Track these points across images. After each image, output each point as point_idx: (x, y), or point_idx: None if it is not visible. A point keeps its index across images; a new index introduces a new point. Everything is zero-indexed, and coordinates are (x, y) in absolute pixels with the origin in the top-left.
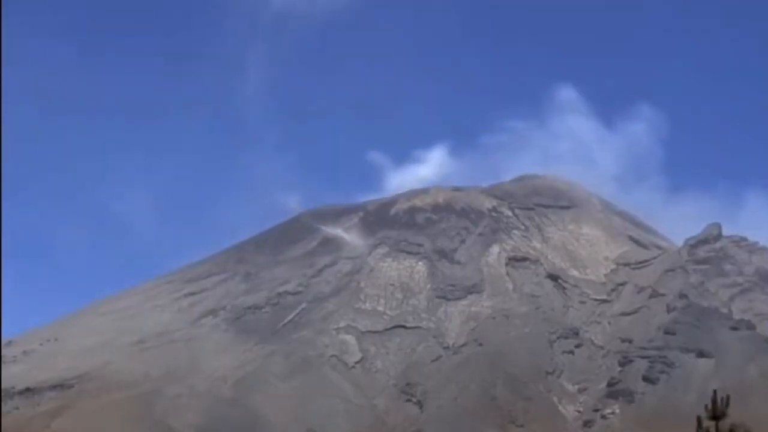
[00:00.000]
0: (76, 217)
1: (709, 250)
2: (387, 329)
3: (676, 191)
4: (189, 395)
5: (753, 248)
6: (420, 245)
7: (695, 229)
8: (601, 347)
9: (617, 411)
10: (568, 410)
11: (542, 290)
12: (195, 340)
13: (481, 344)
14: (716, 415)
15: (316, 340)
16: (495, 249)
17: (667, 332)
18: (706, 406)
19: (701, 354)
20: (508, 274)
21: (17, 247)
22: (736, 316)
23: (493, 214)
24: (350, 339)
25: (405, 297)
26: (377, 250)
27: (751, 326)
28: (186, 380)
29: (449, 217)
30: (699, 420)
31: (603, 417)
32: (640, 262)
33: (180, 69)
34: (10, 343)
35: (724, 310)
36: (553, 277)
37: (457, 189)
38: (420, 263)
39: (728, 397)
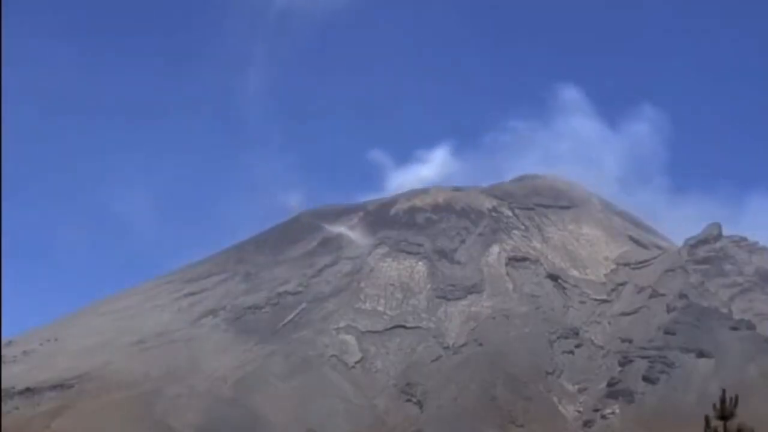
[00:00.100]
0: (76, 217)
1: (709, 250)
2: (387, 329)
3: (679, 192)
4: (189, 395)
5: (753, 248)
6: (420, 245)
7: (697, 231)
8: (601, 347)
9: (617, 411)
10: (568, 410)
11: (542, 290)
12: (195, 340)
13: (481, 344)
14: (724, 415)
15: (316, 340)
16: (495, 249)
17: (667, 332)
18: (714, 405)
19: (701, 354)
20: (508, 274)
21: (17, 247)
22: (736, 316)
23: (493, 214)
24: (350, 339)
25: (405, 297)
26: (377, 250)
27: (751, 326)
28: (186, 380)
29: (449, 217)
30: (707, 420)
31: (603, 417)
32: (640, 262)
33: (180, 69)
34: (10, 343)
35: (724, 310)
36: (553, 277)
37: (457, 189)
38: (420, 263)
39: (737, 397)
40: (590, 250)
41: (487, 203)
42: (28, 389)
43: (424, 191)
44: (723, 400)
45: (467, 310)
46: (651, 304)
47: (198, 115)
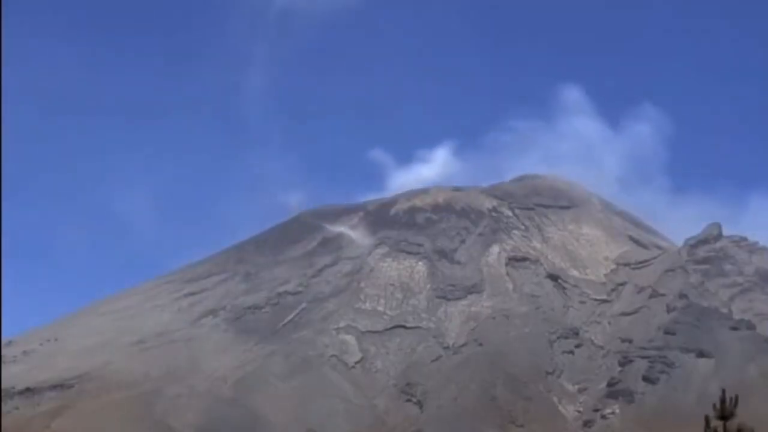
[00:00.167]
0: (76, 217)
1: (709, 250)
2: (387, 329)
3: (679, 192)
4: (189, 395)
5: (753, 248)
6: (420, 245)
7: (698, 231)
8: (601, 347)
9: (617, 411)
10: (568, 410)
11: (542, 290)
12: (195, 340)
13: (481, 344)
14: (724, 415)
15: (316, 340)
16: (495, 249)
17: (667, 332)
18: (714, 405)
19: (701, 354)
20: (508, 274)
21: (17, 247)
22: (736, 316)
23: (493, 214)
24: (350, 339)
25: (405, 297)
26: (377, 250)
27: (751, 326)
28: (186, 380)
29: (449, 217)
30: (707, 419)
31: (603, 417)
32: (640, 262)
33: (181, 68)
34: (10, 343)
35: (724, 310)
36: (553, 277)
37: (457, 189)
38: (420, 263)
39: (736, 398)
40: (590, 250)
41: (487, 203)
42: (28, 389)
43: (424, 191)
44: (723, 400)
45: (467, 310)
46: (651, 304)
47: (198, 115)
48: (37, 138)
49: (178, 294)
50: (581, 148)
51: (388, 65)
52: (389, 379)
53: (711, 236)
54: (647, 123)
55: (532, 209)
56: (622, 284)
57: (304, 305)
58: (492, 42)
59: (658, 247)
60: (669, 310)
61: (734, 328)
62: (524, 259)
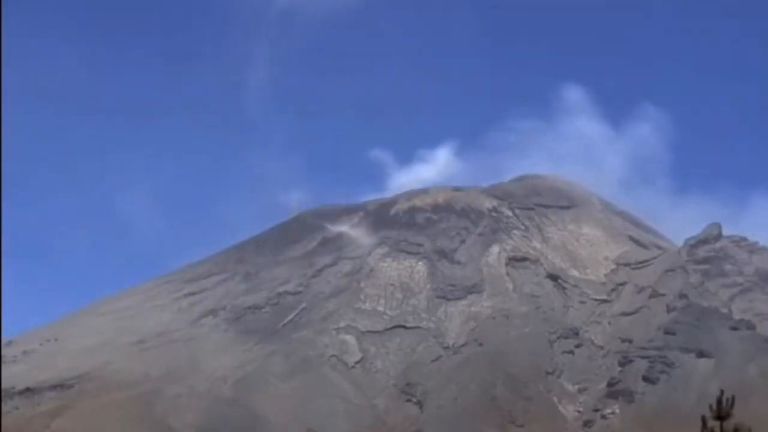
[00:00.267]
0: (76, 217)
1: (709, 250)
2: (387, 329)
3: (682, 194)
4: (189, 395)
5: (753, 248)
6: (420, 245)
7: (699, 231)
8: (601, 347)
9: (617, 411)
10: (568, 410)
11: (542, 290)
12: (195, 340)
13: (481, 344)
14: (721, 415)
15: (316, 340)
16: (495, 249)
17: (667, 332)
18: (710, 405)
19: (701, 354)
20: (508, 274)
21: (17, 247)
22: (736, 316)
23: (493, 214)
24: (350, 339)
25: (405, 297)
26: (377, 250)
27: (751, 326)
28: (186, 380)
29: (449, 217)
30: (704, 420)
31: (603, 417)
32: (640, 262)
33: (182, 68)
34: (10, 343)
35: (724, 310)
36: (553, 277)
37: (457, 189)
38: (420, 263)
39: (733, 398)
40: (590, 250)
41: (487, 203)
42: (28, 389)
43: (424, 191)
44: (720, 401)
45: (467, 310)
46: (651, 304)
47: (198, 114)
48: (37, 138)
49: (178, 294)
50: (583, 148)
51: (389, 65)
52: (389, 379)
53: (711, 236)
54: (649, 123)
55: (532, 209)
56: (622, 284)
57: (304, 305)
58: (493, 42)
59: (658, 247)
60: (669, 310)
61: (734, 328)
62: (524, 259)
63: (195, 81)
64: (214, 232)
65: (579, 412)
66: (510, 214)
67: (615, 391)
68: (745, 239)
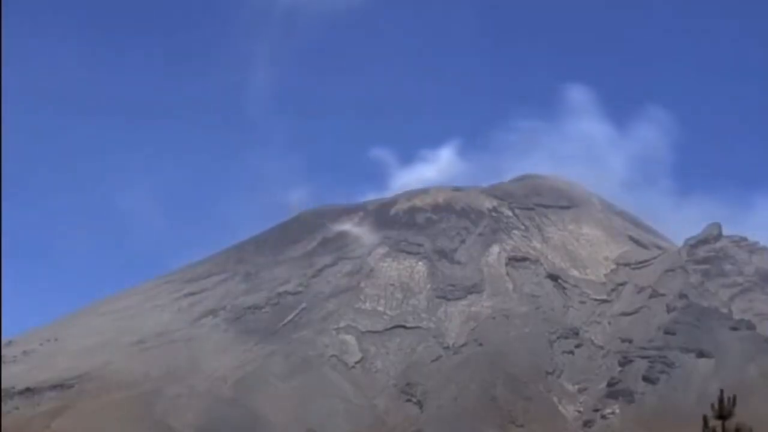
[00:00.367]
0: (76, 217)
1: (709, 250)
2: (387, 329)
3: (684, 195)
4: (189, 395)
5: (753, 248)
6: (420, 245)
7: (700, 231)
8: (601, 347)
9: (617, 411)
10: (568, 410)
11: (542, 290)
12: (195, 340)
13: (481, 344)
14: (723, 414)
15: (316, 340)
16: (495, 249)
17: (667, 332)
18: (712, 405)
19: (701, 354)
20: (508, 274)
21: (17, 247)
22: (736, 316)
23: (493, 214)
24: (350, 339)
25: (405, 297)
26: (377, 250)
27: (751, 326)
28: (186, 380)
29: (449, 217)
30: (705, 419)
31: (603, 417)
32: (640, 262)
33: (183, 68)
34: (10, 343)
35: (724, 310)
36: (553, 277)
37: (457, 189)
38: (420, 263)
39: (734, 397)
40: (590, 250)
41: (487, 203)
42: (28, 389)
43: (424, 191)
44: (721, 400)
45: (467, 310)
46: (651, 304)
47: (199, 114)
48: (37, 137)
49: (178, 294)
50: (587, 149)
51: (390, 65)
52: (389, 379)
53: (711, 236)
54: (652, 124)
55: (532, 209)
56: (622, 284)
57: (304, 305)
58: (495, 42)
59: (658, 247)
60: (669, 310)
61: (734, 328)
62: (524, 259)
63: (195, 81)
64: (214, 232)
65: (579, 412)
66: (510, 214)
67: (615, 391)
68: (745, 239)
